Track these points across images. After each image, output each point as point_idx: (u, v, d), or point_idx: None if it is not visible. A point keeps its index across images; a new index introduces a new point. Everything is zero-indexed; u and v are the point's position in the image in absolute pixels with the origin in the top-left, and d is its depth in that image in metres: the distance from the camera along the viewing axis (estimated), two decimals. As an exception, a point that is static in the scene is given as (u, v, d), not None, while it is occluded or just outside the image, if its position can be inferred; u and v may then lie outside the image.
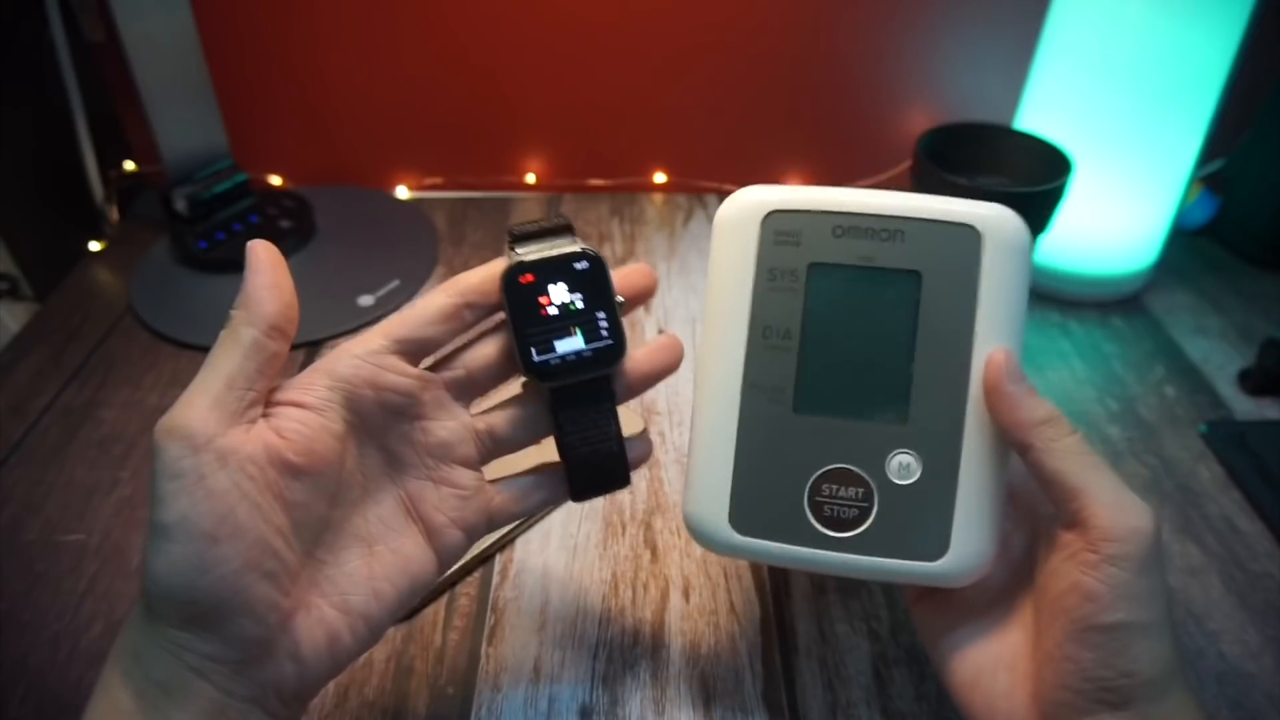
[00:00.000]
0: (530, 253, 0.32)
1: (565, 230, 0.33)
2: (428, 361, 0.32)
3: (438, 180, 0.75)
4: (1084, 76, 0.56)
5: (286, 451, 0.28)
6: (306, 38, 0.69)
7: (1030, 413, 0.30)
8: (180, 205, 0.63)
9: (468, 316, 0.32)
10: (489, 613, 0.42)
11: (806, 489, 0.32)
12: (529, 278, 0.31)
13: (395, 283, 0.63)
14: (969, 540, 0.31)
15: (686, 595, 0.43)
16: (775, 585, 0.44)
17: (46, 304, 0.62)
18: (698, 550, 0.45)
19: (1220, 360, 0.58)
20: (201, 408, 0.27)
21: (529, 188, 0.76)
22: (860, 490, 0.32)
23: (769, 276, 0.33)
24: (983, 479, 0.31)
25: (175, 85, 0.61)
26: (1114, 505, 0.28)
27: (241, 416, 0.28)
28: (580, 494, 0.34)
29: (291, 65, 0.70)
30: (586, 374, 0.32)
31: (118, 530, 0.46)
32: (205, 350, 0.56)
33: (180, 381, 0.55)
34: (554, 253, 0.32)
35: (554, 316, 0.31)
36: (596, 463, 0.33)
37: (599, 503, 0.48)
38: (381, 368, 0.31)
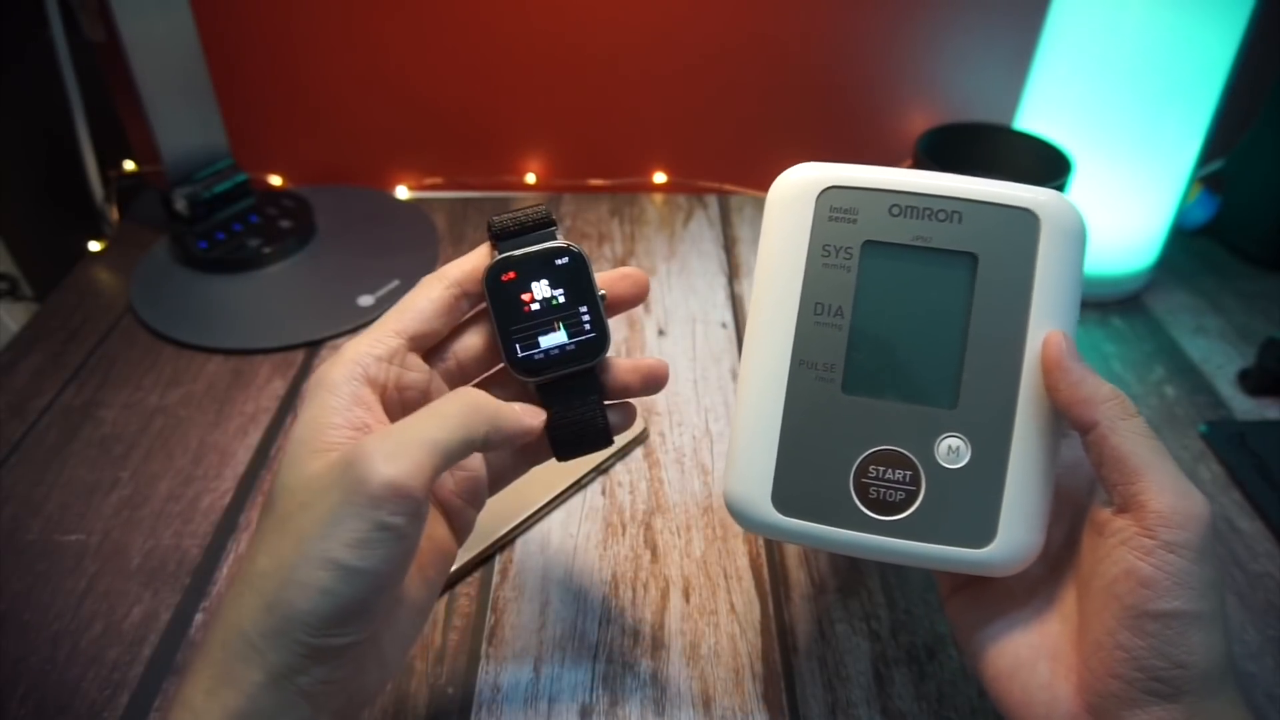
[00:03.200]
0: (511, 249, 0.33)
1: (544, 223, 0.33)
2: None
3: (438, 180, 0.75)
4: (1084, 76, 0.56)
5: None
6: (307, 38, 0.69)
7: (1095, 390, 0.29)
8: (180, 205, 0.63)
9: (464, 306, 0.33)
10: (489, 613, 0.42)
11: (852, 470, 0.32)
12: (511, 275, 0.32)
13: (395, 283, 0.63)
14: (1016, 528, 0.31)
15: (686, 595, 0.43)
16: (775, 585, 0.44)
17: (46, 304, 0.62)
18: (698, 550, 0.45)
19: (1220, 360, 0.58)
20: (429, 474, 0.27)
21: (529, 188, 0.76)
22: (907, 473, 0.31)
23: (822, 253, 0.33)
24: (1032, 466, 0.31)
25: (175, 85, 0.61)
26: (1174, 491, 0.27)
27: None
28: (563, 455, 0.35)
29: (291, 65, 0.70)
30: (571, 367, 0.33)
31: (118, 530, 0.46)
32: (204, 350, 0.57)
33: (179, 381, 0.55)
34: (535, 249, 0.33)
35: (537, 312, 0.32)
36: (580, 433, 0.34)
37: (599, 502, 0.48)
38: (405, 368, 0.31)
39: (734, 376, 0.56)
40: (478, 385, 0.34)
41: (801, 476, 0.32)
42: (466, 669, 0.40)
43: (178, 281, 0.63)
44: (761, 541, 0.46)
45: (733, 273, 0.66)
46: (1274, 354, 0.54)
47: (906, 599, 0.43)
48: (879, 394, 0.32)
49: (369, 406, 0.29)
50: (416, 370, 0.31)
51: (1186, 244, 0.69)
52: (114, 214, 0.71)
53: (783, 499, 0.32)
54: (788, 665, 0.40)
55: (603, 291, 0.33)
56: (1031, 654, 0.30)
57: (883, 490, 0.32)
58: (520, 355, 0.32)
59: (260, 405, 0.54)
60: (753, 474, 0.32)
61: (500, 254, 0.32)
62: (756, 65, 0.71)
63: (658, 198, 0.75)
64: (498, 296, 0.32)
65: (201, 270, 0.63)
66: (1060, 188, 0.52)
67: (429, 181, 0.76)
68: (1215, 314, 0.63)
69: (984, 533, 0.31)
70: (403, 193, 0.75)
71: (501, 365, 0.34)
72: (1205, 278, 0.66)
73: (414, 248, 0.68)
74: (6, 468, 0.49)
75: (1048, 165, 0.55)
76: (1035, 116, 0.60)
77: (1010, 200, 0.32)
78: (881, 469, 0.32)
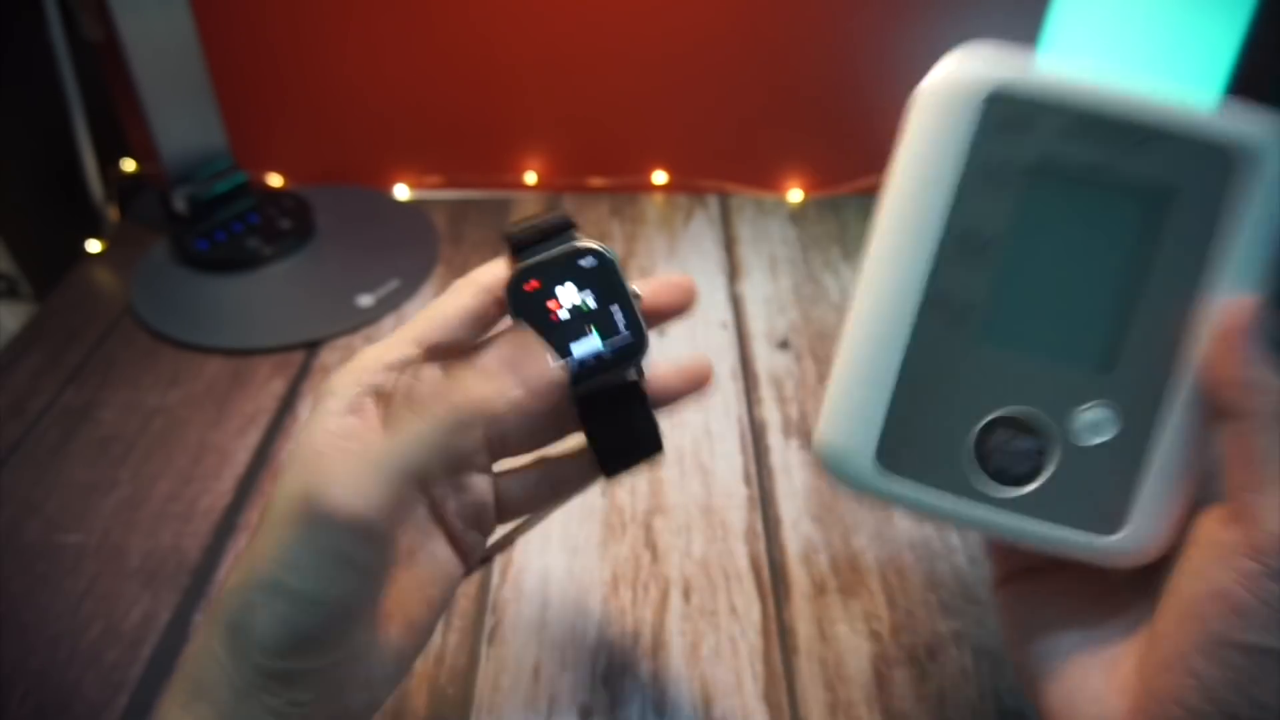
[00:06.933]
0: (531, 257, 0.30)
1: (564, 226, 0.31)
2: None
3: (438, 180, 0.75)
4: (1084, 75, 0.56)
5: None
6: (306, 37, 0.69)
7: (1262, 377, 0.25)
8: (180, 205, 0.63)
9: (495, 313, 0.31)
10: (489, 613, 0.42)
11: (975, 431, 0.27)
12: (534, 284, 0.30)
13: (395, 283, 0.63)
14: (1151, 517, 0.27)
15: (686, 596, 0.43)
16: (775, 586, 0.44)
17: (46, 304, 0.62)
18: (698, 551, 0.45)
19: (1221, 360, 0.58)
20: (389, 499, 0.25)
21: (529, 188, 0.76)
22: (1038, 442, 0.27)
23: (980, 172, 0.27)
24: (1182, 450, 0.27)
25: (175, 85, 0.60)
26: None
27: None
28: (613, 468, 0.32)
29: (291, 65, 0.70)
30: (609, 373, 0.30)
31: (117, 531, 0.46)
32: (204, 350, 0.57)
33: (179, 381, 0.55)
34: (555, 252, 0.30)
35: (566, 320, 0.30)
36: (628, 441, 0.32)
37: (598, 502, 0.47)
38: (417, 379, 0.29)
39: (734, 378, 0.56)
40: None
41: (915, 432, 0.28)
42: (466, 669, 0.40)
43: (177, 281, 0.63)
44: (762, 542, 0.46)
45: (733, 272, 0.66)
46: (1276, 354, 0.54)
47: (908, 599, 0.43)
48: (1022, 348, 0.27)
49: (364, 415, 0.27)
50: (430, 383, 0.29)
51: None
52: (114, 214, 0.71)
53: (889, 456, 0.28)
54: (788, 666, 0.40)
55: (636, 290, 0.31)
56: (1085, 662, 0.27)
57: (1007, 459, 0.27)
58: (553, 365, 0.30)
59: (260, 405, 0.53)
60: (856, 424, 0.28)
61: (519, 264, 0.30)
62: (757, 65, 0.71)
63: (658, 198, 0.75)
64: (522, 308, 0.30)
65: (201, 270, 0.63)
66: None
67: (429, 181, 0.75)
68: (1216, 314, 0.62)
69: (1114, 519, 0.27)
70: (403, 192, 0.75)
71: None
72: (1206, 277, 0.66)
73: (414, 247, 0.68)
74: (6, 468, 0.49)
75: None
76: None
77: (1220, 132, 0.26)
78: (1009, 434, 0.27)
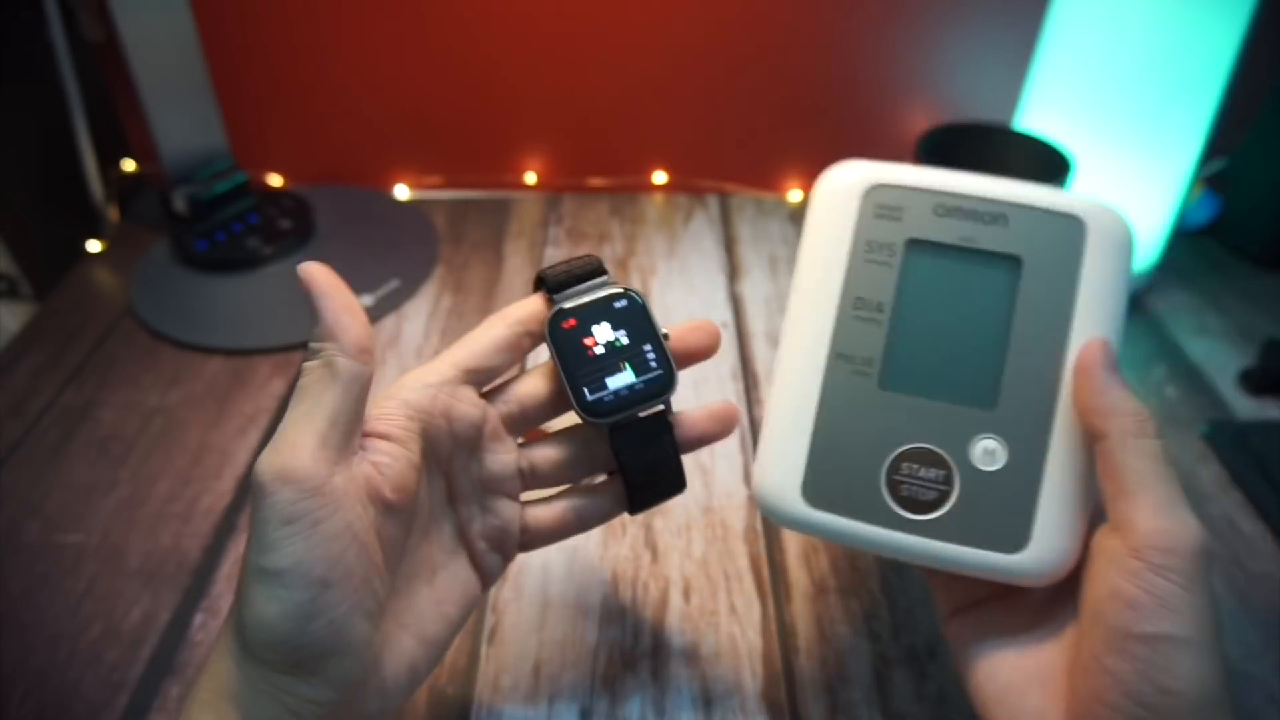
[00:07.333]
0: (568, 299, 0.33)
1: (597, 271, 0.34)
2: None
3: (438, 180, 0.75)
4: (1085, 75, 0.56)
5: (384, 487, 0.29)
6: (307, 37, 0.69)
7: (1117, 402, 0.29)
8: (180, 205, 0.63)
9: (527, 344, 0.33)
10: (489, 613, 0.42)
11: (885, 466, 0.32)
12: (571, 322, 0.33)
13: (395, 283, 0.63)
14: (1050, 536, 0.30)
15: (686, 596, 0.43)
16: (775, 586, 0.44)
17: (46, 304, 0.62)
18: (698, 551, 0.45)
19: (1222, 360, 0.58)
20: (310, 448, 0.26)
21: (529, 188, 0.76)
22: (941, 472, 0.31)
23: (866, 249, 0.33)
24: (1070, 474, 0.30)
25: (175, 85, 0.60)
26: (1167, 514, 0.27)
27: (347, 453, 0.28)
28: (638, 505, 0.35)
29: (291, 65, 0.70)
30: (641, 406, 0.32)
31: (117, 531, 0.46)
32: (204, 350, 0.57)
33: (179, 381, 0.55)
34: (592, 296, 0.33)
35: (601, 355, 0.32)
36: (655, 476, 0.34)
37: (599, 503, 0.47)
38: (455, 398, 0.31)
39: (734, 377, 0.56)
40: (533, 446, 0.34)
41: (833, 470, 0.32)
42: (466, 669, 0.40)
43: (177, 281, 0.63)
44: (762, 542, 0.46)
45: (733, 272, 0.66)
46: (1276, 354, 0.54)
47: (907, 599, 0.43)
48: (916, 391, 0.32)
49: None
50: (469, 404, 0.32)
51: (1188, 244, 0.69)
52: (114, 214, 0.71)
53: (812, 492, 0.32)
54: (788, 666, 0.40)
55: (665, 330, 0.33)
56: (1023, 679, 0.29)
57: (915, 488, 0.31)
58: (589, 398, 0.32)
59: (260, 405, 0.53)
60: (783, 465, 0.32)
61: (556, 304, 0.33)
62: (757, 65, 0.71)
63: (658, 198, 0.75)
64: (560, 344, 0.32)
65: (201, 270, 0.63)
66: (1060, 188, 0.52)
67: (429, 181, 0.75)
68: (1217, 314, 0.63)
69: (1017, 538, 0.30)
70: (403, 192, 0.75)
71: (567, 427, 0.35)
72: (1207, 278, 0.66)
73: (414, 248, 0.68)
74: (6, 468, 0.49)
75: (1048, 165, 0.55)
76: (1036, 116, 0.60)
77: (1057, 206, 0.32)
78: (915, 467, 0.31)
